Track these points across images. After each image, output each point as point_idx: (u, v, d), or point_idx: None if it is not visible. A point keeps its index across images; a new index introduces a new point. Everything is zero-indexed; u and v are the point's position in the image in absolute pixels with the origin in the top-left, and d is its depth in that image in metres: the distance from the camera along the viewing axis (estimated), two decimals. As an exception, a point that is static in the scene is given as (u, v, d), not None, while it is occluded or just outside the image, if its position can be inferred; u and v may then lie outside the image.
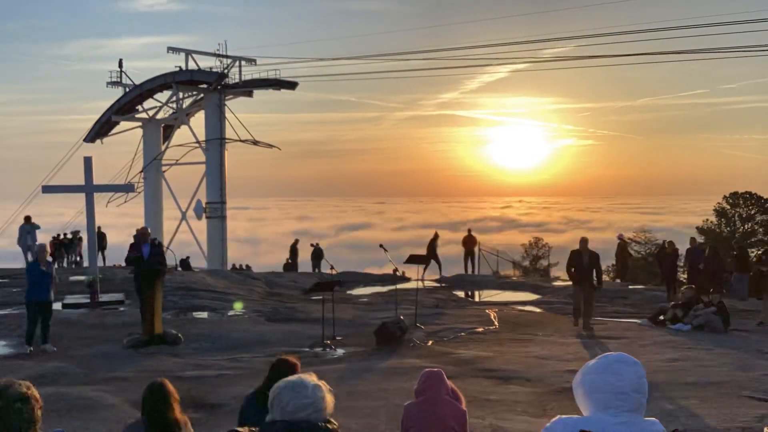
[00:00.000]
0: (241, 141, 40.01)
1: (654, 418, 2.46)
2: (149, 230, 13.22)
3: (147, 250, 12.62)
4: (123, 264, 25.64)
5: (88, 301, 15.99)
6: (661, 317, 14.72)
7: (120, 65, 41.87)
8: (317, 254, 29.47)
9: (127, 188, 28.60)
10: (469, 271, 26.15)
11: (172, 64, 40.88)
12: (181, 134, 43.23)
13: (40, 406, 2.73)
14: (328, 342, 12.32)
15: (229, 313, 16.28)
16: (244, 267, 33.30)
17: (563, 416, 2.48)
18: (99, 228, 23.55)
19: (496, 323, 14.98)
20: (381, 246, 15.28)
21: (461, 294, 21.74)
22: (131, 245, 12.56)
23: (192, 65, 40.81)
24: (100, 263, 23.40)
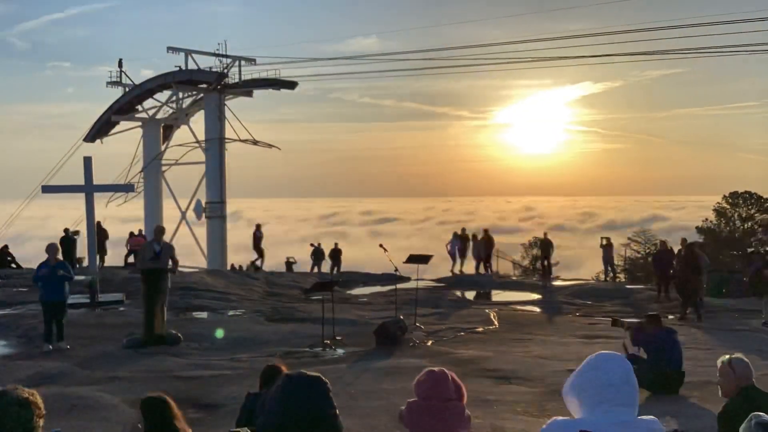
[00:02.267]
0: (240, 141, 40.01)
1: (652, 417, 2.44)
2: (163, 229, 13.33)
3: (158, 249, 12.66)
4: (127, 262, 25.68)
5: (88, 301, 15.99)
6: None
7: (120, 65, 41.90)
8: (317, 254, 29.45)
9: (127, 188, 28.60)
10: (481, 271, 25.83)
11: (172, 63, 40.93)
12: (180, 134, 43.25)
13: (40, 415, 2.72)
14: (328, 342, 12.31)
15: (228, 313, 16.29)
16: (250, 266, 33.19)
17: (558, 418, 2.46)
18: (99, 223, 23.25)
19: (495, 323, 14.98)
20: (381, 246, 15.27)
21: (461, 294, 21.73)
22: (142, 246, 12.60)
23: (192, 65, 40.82)
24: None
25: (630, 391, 2.37)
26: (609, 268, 25.86)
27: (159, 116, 42.52)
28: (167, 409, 4.06)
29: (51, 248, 12.14)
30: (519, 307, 18.51)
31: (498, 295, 21.80)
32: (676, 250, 18.71)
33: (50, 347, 11.69)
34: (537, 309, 18.54)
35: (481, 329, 14.16)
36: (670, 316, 16.67)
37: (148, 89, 41.47)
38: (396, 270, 15.13)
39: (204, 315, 16.10)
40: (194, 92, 41.81)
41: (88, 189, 16.42)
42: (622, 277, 33.06)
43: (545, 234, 28.21)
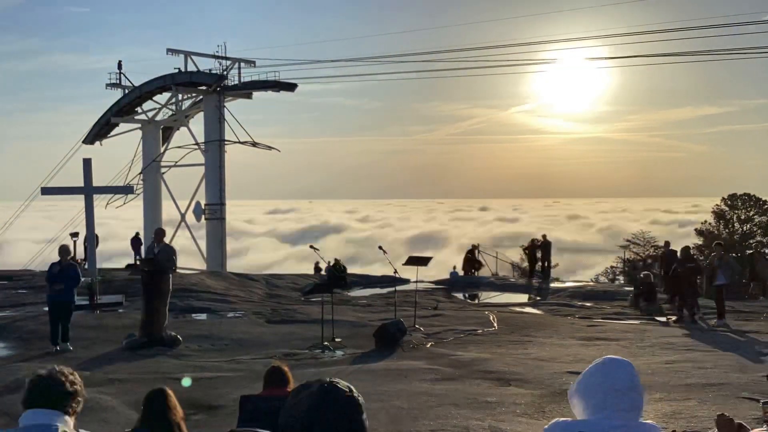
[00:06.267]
0: (240, 143, 39.97)
1: (652, 422, 2.45)
2: (163, 231, 13.40)
3: (156, 251, 12.70)
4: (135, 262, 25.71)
5: (88, 302, 15.98)
6: None
7: (119, 67, 41.88)
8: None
9: (127, 190, 28.57)
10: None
11: (171, 65, 40.91)
12: (180, 136, 43.22)
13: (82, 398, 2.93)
14: (327, 344, 12.32)
15: (228, 315, 16.29)
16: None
17: (560, 419, 2.48)
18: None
19: (495, 325, 14.98)
20: (380, 248, 15.28)
21: (460, 295, 21.73)
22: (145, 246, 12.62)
23: (191, 67, 40.81)
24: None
25: (635, 397, 2.38)
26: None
27: (158, 118, 42.50)
28: (165, 398, 4.21)
29: (63, 249, 12.37)
30: (518, 309, 18.51)
31: (497, 297, 21.81)
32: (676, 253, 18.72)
33: (56, 348, 11.78)
34: (536, 311, 18.55)
35: (480, 331, 14.16)
36: (660, 318, 16.70)
37: (147, 91, 41.45)
38: (395, 272, 15.13)
39: (204, 317, 16.09)
40: (194, 94, 41.79)
41: (88, 191, 16.43)
42: (621, 279, 33.08)
43: (544, 236, 28.21)
